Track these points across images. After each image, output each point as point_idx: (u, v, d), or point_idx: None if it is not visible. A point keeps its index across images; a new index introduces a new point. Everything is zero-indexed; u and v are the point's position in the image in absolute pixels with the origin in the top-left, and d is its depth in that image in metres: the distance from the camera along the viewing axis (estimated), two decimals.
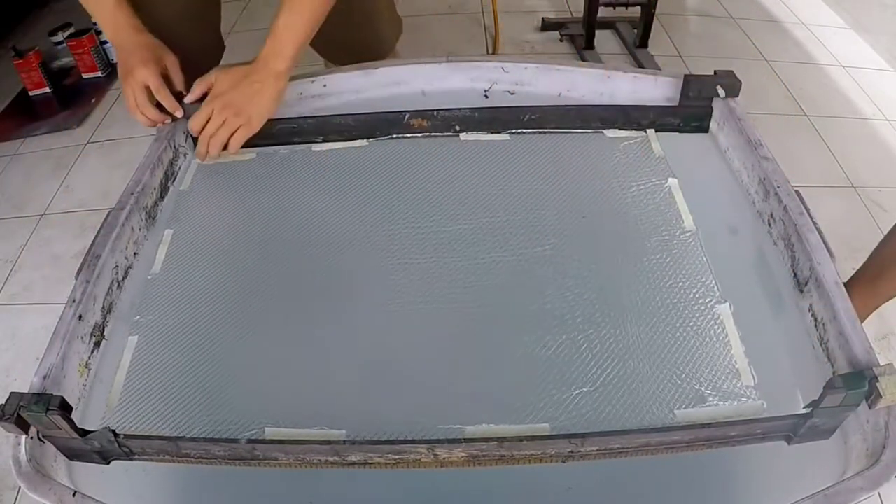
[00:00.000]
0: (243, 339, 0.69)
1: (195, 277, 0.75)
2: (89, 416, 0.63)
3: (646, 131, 0.92)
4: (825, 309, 0.63)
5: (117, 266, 0.73)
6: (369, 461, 0.54)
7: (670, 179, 0.84)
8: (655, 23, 2.18)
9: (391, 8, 1.25)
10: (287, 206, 0.84)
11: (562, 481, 0.61)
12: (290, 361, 0.67)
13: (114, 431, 0.55)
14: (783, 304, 0.70)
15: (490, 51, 2.31)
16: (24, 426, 0.54)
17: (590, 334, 0.66)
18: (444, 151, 0.90)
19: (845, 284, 0.69)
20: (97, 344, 0.68)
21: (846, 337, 0.59)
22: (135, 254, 0.77)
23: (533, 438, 0.54)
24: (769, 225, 0.76)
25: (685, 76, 0.90)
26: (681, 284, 0.71)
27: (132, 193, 0.78)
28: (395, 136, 0.93)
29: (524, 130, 0.92)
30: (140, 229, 0.79)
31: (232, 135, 0.87)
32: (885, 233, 1.14)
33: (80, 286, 0.67)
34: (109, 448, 0.57)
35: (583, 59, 2.20)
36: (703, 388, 0.61)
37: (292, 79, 0.93)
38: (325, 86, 0.97)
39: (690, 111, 0.91)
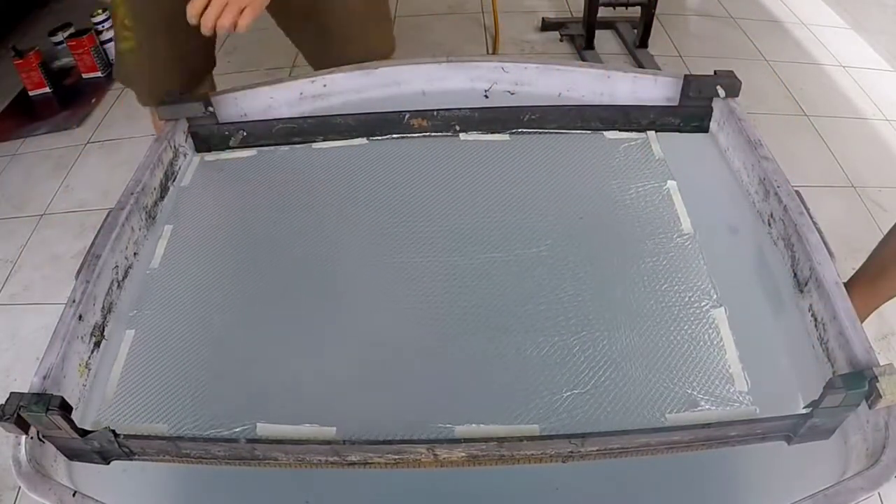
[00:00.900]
0: (239, 334, 0.69)
1: (193, 273, 0.75)
2: (89, 417, 0.63)
3: (646, 133, 0.92)
4: (825, 309, 0.63)
5: (117, 266, 0.73)
6: (369, 461, 0.54)
7: (669, 182, 0.84)
8: (655, 23, 2.18)
9: (382, 24, 1.23)
10: (286, 205, 0.84)
11: (562, 481, 0.61)
12: (284, 357, 0.67)
13: (114, 431, 0.55)
14: (783, 304, 0.70)
15: (490, 51, 2.31)
16: (24, 426, 0.54)
17: (583, 336, 0.66)
18: (443, 151, 0.90)
19: (845, 284, 0.69)
20: (97, 344, 0.68)
21: (846, 337, 0.59)
22: (135, 254, 0.77)
23: (533, 438, 0.54)
24: (769, 225, 0.76)
25: (685, 76, 0.90)
26: (676, 288, 0.71)
27: (132, 193, 0.78)
28: (394, 135, 0.93)
29: (524, 130, 0.92)
30: (140, 229, 0.79)
31: (240, 13, 0.83)
32: (885, 233, 1.15)
33: (80, 286, 0.67)
34: (109, 448, 0.57)
35: (583, 59, 2.20)
36: (695, 393, 0.61)
37: (292, 79, 0.93)
38: (325, 86, 0.97)
39: (690, 111, 0.91)
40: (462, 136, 0.92)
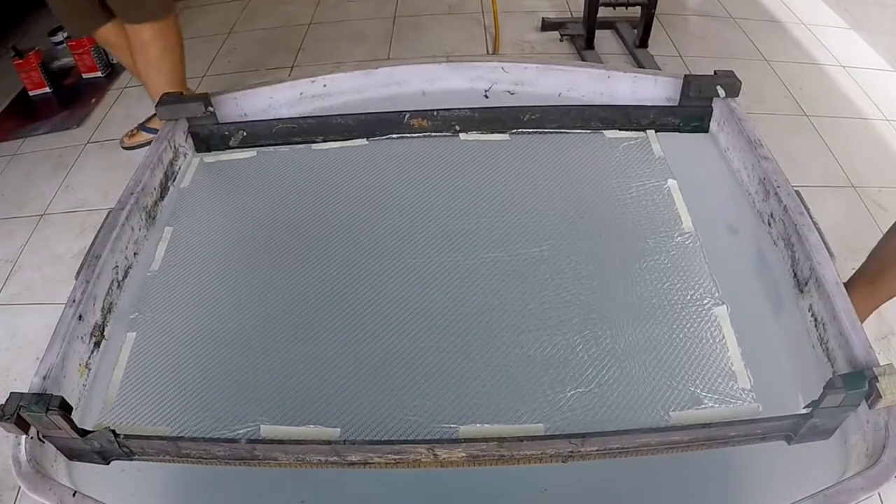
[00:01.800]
0: (240, 335, 0.69)
1: (194, 274, 0.75)
2: (89, 417, 0.63)
3: (646, 132, 0.92)
4: (825, 309, 0.63)
5: (117, 266, 0.73)
6: (369, 461, 0.54)
7: (670, 181, 0.84)
8: (655, 23, 2.18)
9: None
10: (286, 205, 0.84)
11: (562, 481, 0.61)
12: (286, 358, 0.67)
13: (114, 431, 0.55)
14: (783, 304, 0.70)
15: (490, 51, 2.31)
16: (24, 426, 0.54)
17: (586, 335, 0.66)
18: (443, 151, 0.90)
19: (845, 284, 0.69)
20: (97, 344, 0.68)
21: (846, 337, 0.59)
22: (135, 254, 0.77)
23: (533, 438, 0.54)
24: (769, 225, 0.76)
25: (685, 76, 0.90)
26: (678, 286, 0.71)
27: (132, 193, 0.78)
28: (394, 135, 0.93)
29: (524, 130, 0.92)
30: (140, 229, 0.79)
31: None
32: (885, 232, 1.14)
33: (80, 286, 0.67)
34: (109, 448, 0.57)
35: (583, 59, 2.20)
36: (698, 391, 0.61)
37: (292, 79, 0.93)
38: (325, 86, 0.97)
39: (690, 111, 0.91)
40: (462, 136, 0.92)
